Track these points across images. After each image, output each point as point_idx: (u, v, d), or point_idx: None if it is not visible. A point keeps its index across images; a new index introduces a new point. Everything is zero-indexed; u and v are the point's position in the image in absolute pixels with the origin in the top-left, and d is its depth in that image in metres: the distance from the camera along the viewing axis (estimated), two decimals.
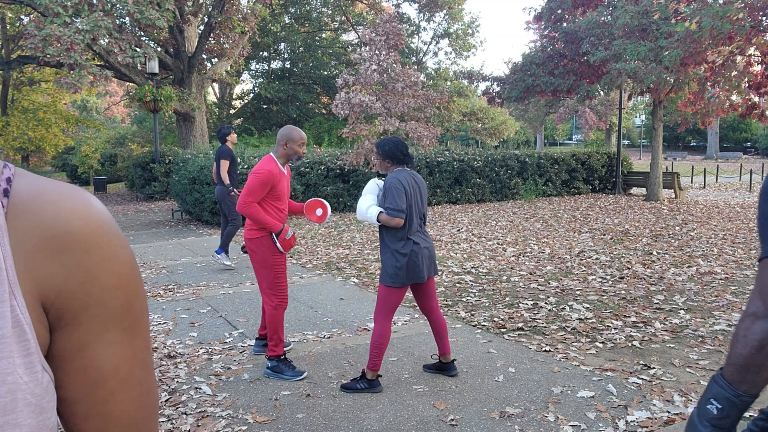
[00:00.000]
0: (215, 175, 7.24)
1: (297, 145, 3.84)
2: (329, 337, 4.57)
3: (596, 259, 7.38)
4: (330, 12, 27.71)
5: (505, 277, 6.44)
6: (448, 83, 26.22)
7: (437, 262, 7.36)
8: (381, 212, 3.40)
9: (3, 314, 0.47)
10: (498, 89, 18.09)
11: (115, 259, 0.54)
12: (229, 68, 19.94)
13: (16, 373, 0.47)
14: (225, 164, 7.00)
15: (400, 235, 3.44)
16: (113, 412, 0.56)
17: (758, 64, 12.70)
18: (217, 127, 6.89)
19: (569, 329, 4.59)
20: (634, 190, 17.57)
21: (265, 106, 27.80)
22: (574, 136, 54.29)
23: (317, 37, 28.54)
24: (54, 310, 0.51)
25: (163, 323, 4.98)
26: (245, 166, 10.92)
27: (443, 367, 3.73)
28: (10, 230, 0.49)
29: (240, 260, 7.76)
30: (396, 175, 3.45)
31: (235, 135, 7.23)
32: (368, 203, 3.46)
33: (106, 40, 13.44)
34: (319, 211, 4.11)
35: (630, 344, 4.21)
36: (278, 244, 3.75)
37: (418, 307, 5.31)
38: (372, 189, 3.53)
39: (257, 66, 29.01)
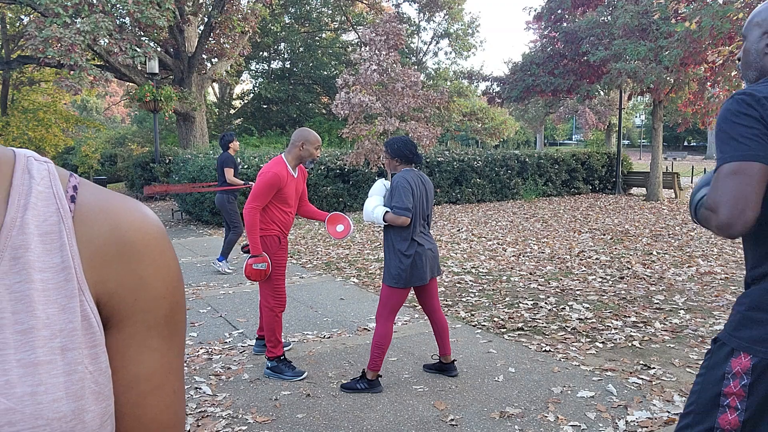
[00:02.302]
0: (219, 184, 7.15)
1: (313, 147, 3.76)
2: (329, 337, 4.57)
3: (596, 259, 7.38)
4: (330, 12, 27.71)
5: (505, 277, 6.44)
6: (448, 83, 26.22)
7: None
8: (387, 212, 3.39)
9: (73, 309, 0.51)
10: (498, 89, 18.09)
11: (165, 269, 0.57)
12: (229, 68, 19.93)
13: (83, 362, 0.51)
14: (230, 172, 7.01)
15: (404, 236, 3.43)
16: (144, 416, 0.57)
17: None
18: (221, 133, 6.90)
19: (569, 329, 4.59)
20: (634, 190, 17.57)
21: (265, 106, 27.80)
22: (574, 136, 54.28)
23: (317, 37, 28.54)
24: (105, 310, 0.54)
25: None
26: (245, 166, 10.92)
27: (444, 368, 3.73)
28: (77, 234, 0.54)
29: (240, 261, 7.76)
30: (404, 175, 3.45)
31: (238, 143, 7.24)
32: (374, 203, 3.46)
33: (106, 41, 13.44)
34: (340, 227, 4.01)
35: (630, 344, 4.21)
36: (245, 264, 3.67)
37: (418, 307, 5.31)
38: (379, 189, 3.52)
39: (257, 66, 29.01)
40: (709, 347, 1.47)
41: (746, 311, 1.37)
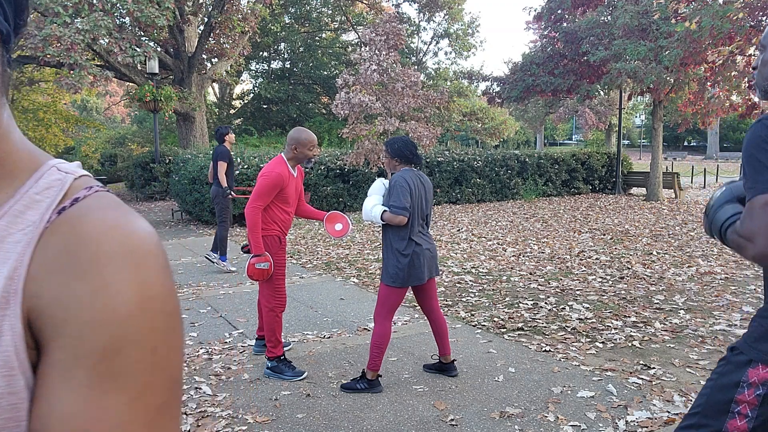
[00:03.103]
0: (211, 176, 7.15)
1: (306, 148, 3.73)
2: (329, 337, 4.57)
3: (596, 259, 7.38)
4: (330, 12, 27.71)
5: (505, 277, 6.44)
6: (448, 83, 26.22)
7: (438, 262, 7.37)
8: (385, 210, 3.39)
9: None
10: (498, 89, 18.08)
11: (118, 295, 0.47)
12: (229, 68, 19.93)
13: None
14: (223, 166, 6.89)
15: (402, 235, 3.43)
16: None
17: None
18: (216, 126, 6.84)
19: (569, 329, 4.59)
20: (634, 190, 17.57)
21: (265, 106, 27.80)
22: (573, 136, 54.29)
23: (317, 37, 28.54)
24: (35, 328, 0.47)
25: None
26: (245, 166, 10.92)
27: (443, 368, 3.73)
28: (40, 244, 0.49)
29: (240, 260, 7.76)
30: (402, 174, 3.45)
31: (233, 135, 7.13)
32: (373, 203, 3.47)
33: (106, 40, 13.44)
34: (338, 226, 4.01)
35: (630, 344, 4.21)
36: (247, 263, 3.67)
37: (418, 307, 5.31)
38: (378, 189, 3.53)
39: (257, 66, 29.01)
40: (724, 354, 1.50)
41: None
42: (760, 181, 1.31)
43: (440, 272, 6.67)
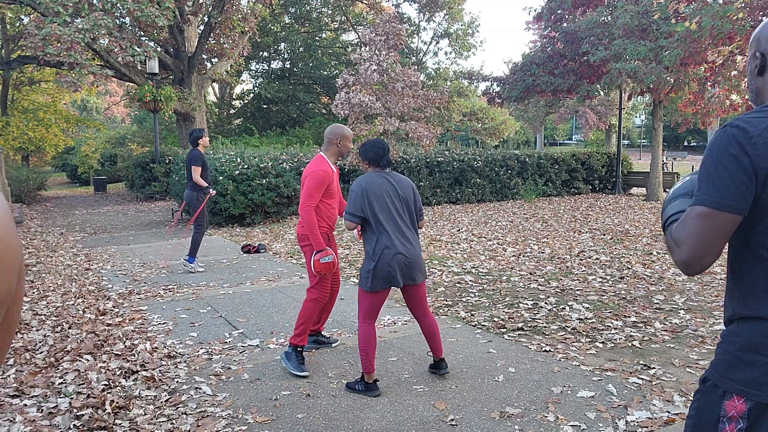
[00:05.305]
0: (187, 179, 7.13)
1: (349, 141, 3.96)
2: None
3: (596, 259, 7.38)
4: (330, 12, 27.71)
5: (505, 277, 6.44)
6: (448, 83, 26.23)
7: (434, 263, 7.36)
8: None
9: None
10: (498, 89, 18.09)
11: None
12: (229, 68, 19.94)
13: None
14: (197, 170, 6.91)
15: (370, 238, 3.39)
16: None
17: None
18: (190, 130, 6.81)
19: (569, 329, 4.59)
20: (634, 190, 17.57)
21: (265, 106, 27.81)
22: (574, 136, 54.30)
23: (317, 37, 28.54)
24: None
25: (163, 323, 4.98)
26: (245, 166, 10.92)
27: (434, 366, 3.71)
28: None
29: (240, 260, 7.76)
30: (360, 178, 3.44)
31: (207, 139, 7.15)
32: None
33: (106, 40, 13.44)
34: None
35: (630, 344, 4.21)
36: (312, 260, 3.78)
37: None
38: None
39: (257, 66, 29.02)
40: (698, 387, 1.43)
41: (738, 352, 1.33)
42: (702, 191, 1.30)
43: (440, 272, 6.69)
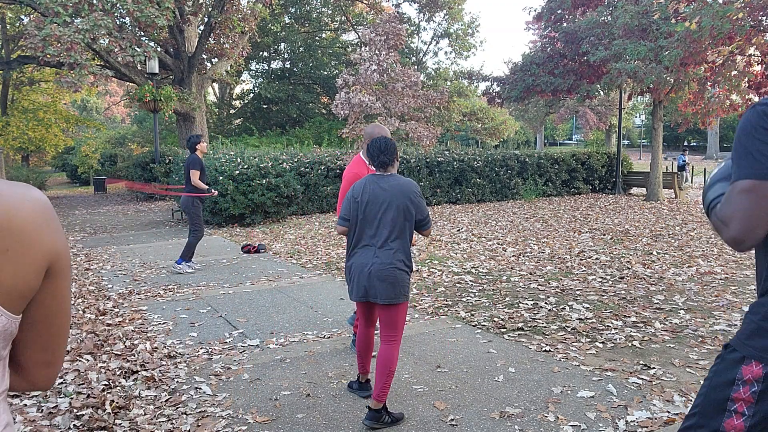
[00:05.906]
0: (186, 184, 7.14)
1: None
2: (329, 337, 4.57)
3: (596, 259, 7.38)
4: (330, 12, 27.71)
5: (505, 277, 6.44)
6: (448, 83, 26.22)
7: (434, 263, 7.35)
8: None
9: None
10: (498, 89, 18.09)
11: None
12: (229, 68, 19.93)
13: None
14: (195, 174, 6.96)
15: (349, 245, 3.23)
16: None
17: (758, 64, 12.69)
18: (189, 135, 6.83)
19: (569, 329, 4.59)
20: (634, 190, 17.57)
21: (265, 106, 27.80)
22: (574, 136, 54.28)
23: (317, 37, 28.54)
24: None
25: (163, 323, 4.98)
26: (245, 166, 10.92)
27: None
28: None
29: (240, 260, 7.76)
30: (357, 181, 3.29)
31: (206, 144, 7.21)
32: None
33: (106, 40, 13.44)
34: None
35: (630, 344, 4.21)
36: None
37: (418, 307, 5.31)
38: None
39: (257, 66, 29.01)
40: (719, 352, 1.50)
41: (761, 321, 1.39)
42: (743, 166, 1.32)
43: (440, 272, 6.68)
